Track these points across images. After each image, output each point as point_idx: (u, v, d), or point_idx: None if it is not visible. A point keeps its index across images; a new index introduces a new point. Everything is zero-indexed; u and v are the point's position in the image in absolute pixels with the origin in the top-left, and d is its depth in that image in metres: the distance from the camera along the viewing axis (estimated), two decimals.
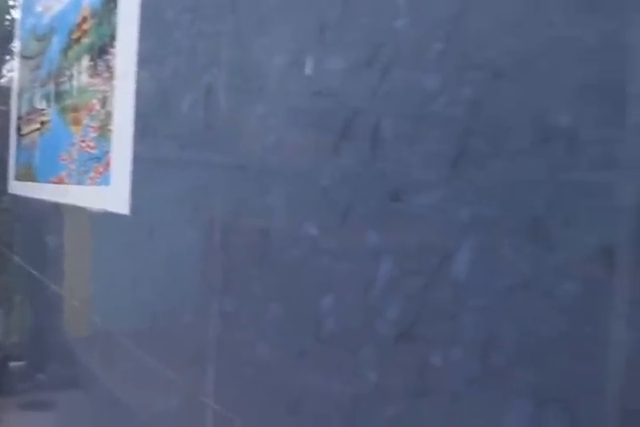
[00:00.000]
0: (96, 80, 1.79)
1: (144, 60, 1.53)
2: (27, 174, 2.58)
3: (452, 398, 0.74)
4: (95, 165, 1.76)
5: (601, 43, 0.62)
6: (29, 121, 2.57)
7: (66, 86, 2.07)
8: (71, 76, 2.02)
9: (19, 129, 2.80)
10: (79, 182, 1.88)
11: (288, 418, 0.99)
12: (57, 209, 2.16)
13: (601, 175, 0.61)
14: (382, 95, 0.85)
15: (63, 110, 2.10)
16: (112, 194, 1.62)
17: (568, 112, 0.64)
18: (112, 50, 1.67)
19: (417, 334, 0.79)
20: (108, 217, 1.68)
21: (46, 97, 2.29)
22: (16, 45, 3.00)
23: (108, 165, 1.66)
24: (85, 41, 1.89)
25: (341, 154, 0.90)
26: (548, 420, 0.65)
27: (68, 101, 2.04)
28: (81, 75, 1.93)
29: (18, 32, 2.95)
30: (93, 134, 1.79)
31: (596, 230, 0.62)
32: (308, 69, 0.98)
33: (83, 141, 1.88)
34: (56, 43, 2.19)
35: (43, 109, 2.34)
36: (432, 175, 0.78)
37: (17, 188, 2.80)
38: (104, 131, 1.71)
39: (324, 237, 0.93)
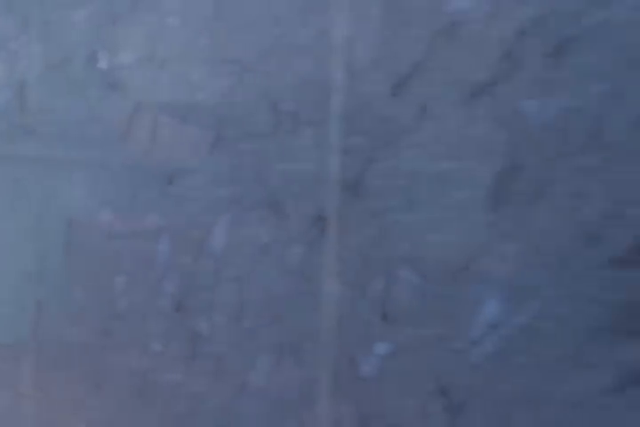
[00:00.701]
0: None
1: None
2: None
3: (215, 360, 0.83)
4: None
5: (314, 41, 0.72)
6: None
7: None
8: None
9: None
10: None
11: (96, 395, 1.04)
12: None
13: (316, 154, 0.71)
14: (160, 88, 0.92)
15: None
16: None
17: (292, 100, 0.74)
18: None
19: (188, 306, 0.87)
20: None
21: None
22: None
23: None
24: None
25: (128, 143, 0.97)
26: (285, 370, 0.74)
27: None
28: None
29: None
30: None
31: (313, 202, 0.72)
32: (102, 63, 1.04)
33: None
34: None
35: None
36: (196, 160, 0.86)
37: None
38: None
39: (116, 221, 1.00)
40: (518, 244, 0.54)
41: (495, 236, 0.55)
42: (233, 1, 0.82)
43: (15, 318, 1.29)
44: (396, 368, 0.63)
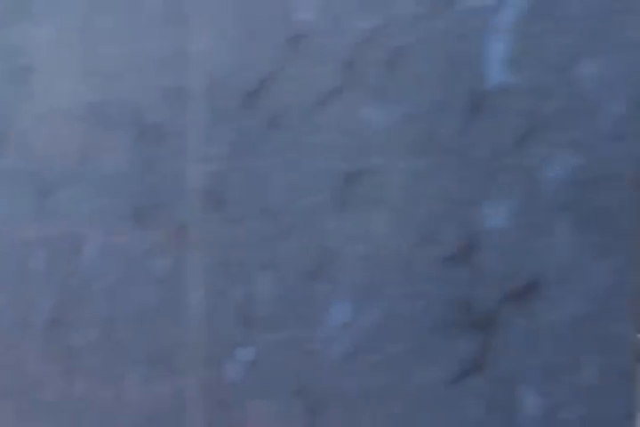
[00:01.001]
0: None
1: None
2: None
3: (91, 375, 0.82)
4: None
5: (173, 54, 0.73)
6: None
7: None
8: None
9: None
10: None
11: None
12: None
13: (177, 164, 0.72)
14: (31, 100, 0.91)
15: None
16: None
17: (154, 111, 0.75)
18: None
19: (63, 321, 0.86)
20: None
21: None
22: None
23: None
24: None
25: (4, 156, 0.96)
26: (156, 380, 0.75)
27: None
28: None
29: None
30: None
31: (175, 212, 0.73)
32: None
33: None
34: None
35: None
36: (70, 172, 0.85)
37: None
38: None
39: None
40: (363, 246, 0.56)
41: (342, 239, 0.57)
42: (99, 15, 0.82)
43: None
44: (258, 372, 0.64)
